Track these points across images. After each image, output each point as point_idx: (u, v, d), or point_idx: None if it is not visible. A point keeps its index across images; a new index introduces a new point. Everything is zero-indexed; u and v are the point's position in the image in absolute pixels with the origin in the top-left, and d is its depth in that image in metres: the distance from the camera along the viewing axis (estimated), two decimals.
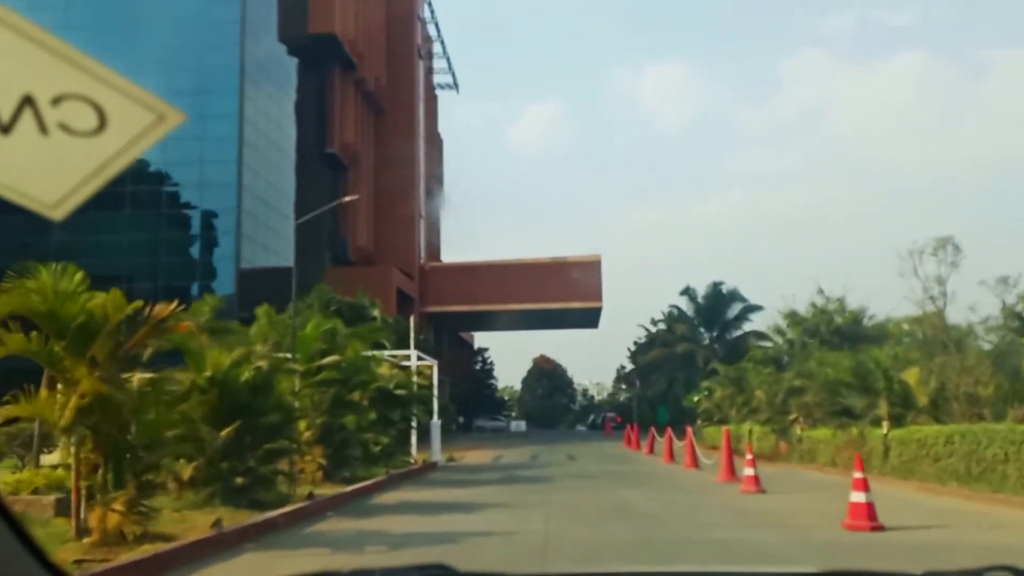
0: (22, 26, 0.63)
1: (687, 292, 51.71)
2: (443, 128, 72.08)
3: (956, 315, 27.46)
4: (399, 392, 18.07)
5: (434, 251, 64.95)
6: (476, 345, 78.01)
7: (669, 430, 24.95)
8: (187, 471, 10.01)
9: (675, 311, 51.30)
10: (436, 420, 20.00)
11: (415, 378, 19.89)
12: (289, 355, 14.02)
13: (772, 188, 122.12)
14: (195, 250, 43.22)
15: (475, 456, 23.84)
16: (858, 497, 8.83)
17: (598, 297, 55.39)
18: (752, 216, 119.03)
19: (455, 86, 74.98)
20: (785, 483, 15.11)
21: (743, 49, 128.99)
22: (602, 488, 14.22)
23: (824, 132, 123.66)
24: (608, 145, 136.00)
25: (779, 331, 28.43)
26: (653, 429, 28.67)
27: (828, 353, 23.61)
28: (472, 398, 69.45)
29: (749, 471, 13.54)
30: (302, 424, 13.34)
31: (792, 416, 21.69)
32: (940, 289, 23.23)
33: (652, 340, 70.03)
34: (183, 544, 7.19)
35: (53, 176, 0.67)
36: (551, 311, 55.96)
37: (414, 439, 19.77)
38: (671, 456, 22.67)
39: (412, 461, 19.05)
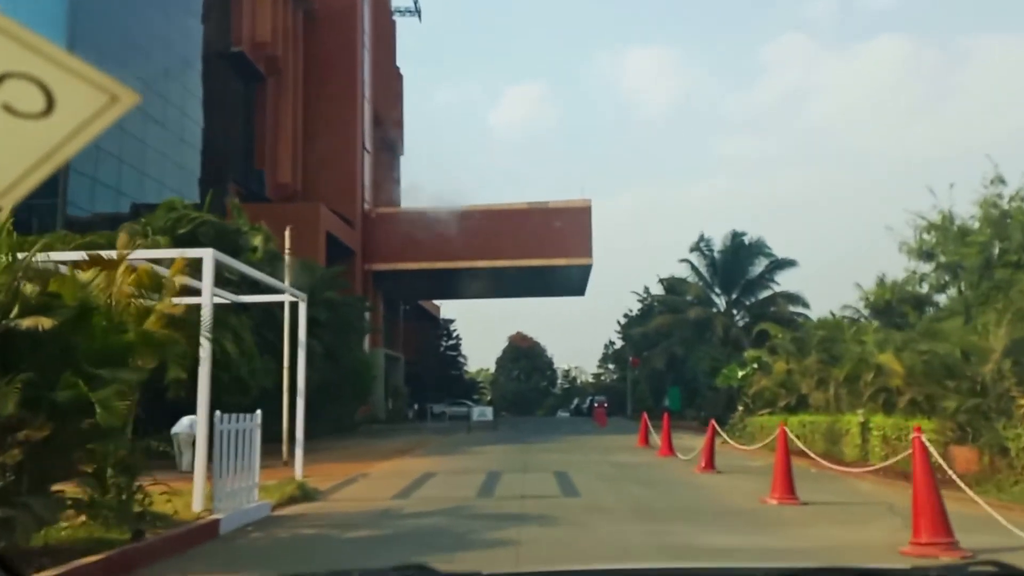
0: None
1: (699, 246, 40.95)
2: (421, 109, 60.83)
3: None
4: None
5: (390, 203, 53.64)
6: (443, 318, 67.10)
7: (712, 425, 14.18)
8: None
9: (689, 265, 40.56)
10: (256, 416, 8.94)
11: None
12: None
13: (757, 173, 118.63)
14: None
15: (375, 483, 12.30)
16: None
17: (587, 252, 44.56)
18: (737, 201, 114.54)
19: (416, 11, 63.39)
20: None
21: (725, 34, 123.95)
22: None
23: (807, 117, 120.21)
24: (590, 129, 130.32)
25: (923, 251, 17.56)
26: (666, 417, 18.02)
27: None
28: (435, 380, 58.57)
29: None
30: None
31: None
32: None
33: (649, 310, 59.59)
34: None
35: None
36: (531, 270, 45.04)
37: (196, 459, 8.62)
38: (710, 463, 12.26)
39: (170, 514, 7.81)
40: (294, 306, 14.12)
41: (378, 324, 46.59)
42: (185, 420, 13.76)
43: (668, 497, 9.89)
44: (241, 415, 8.63)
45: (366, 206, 44.49)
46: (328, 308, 25.57)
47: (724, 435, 15.16)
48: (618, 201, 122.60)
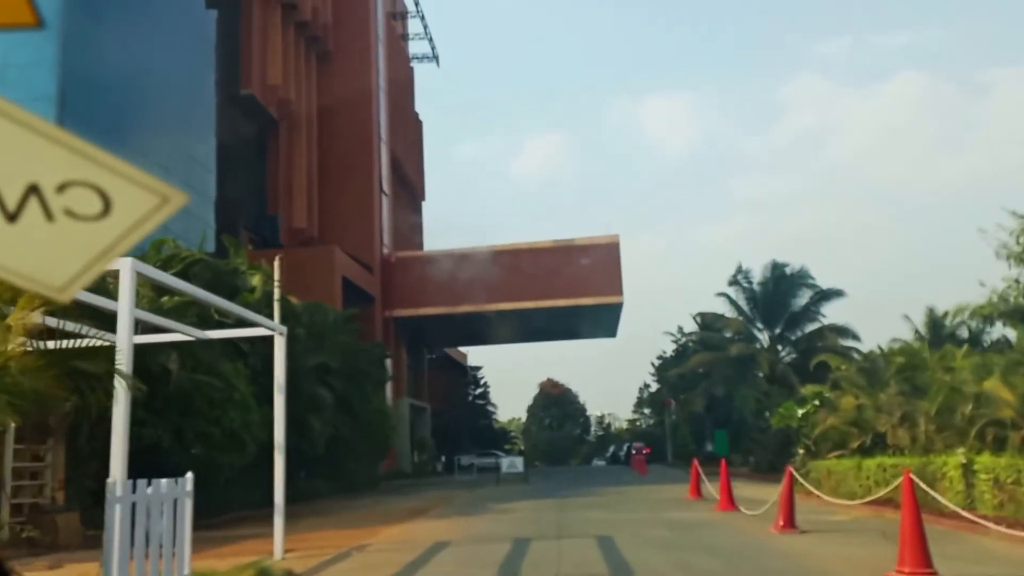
0: (25, 118, 0.64)
1: (737, 279, 38.47)
2: (442, 160, 59.72)
3: None
4: None
5: (411, 249, 52.02)
6: (470, 365, 64.82)
7: (790, 473, 11.71)
8: None
9: (727, 300, 37.96)
10: (183, 481, 6.75)
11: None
12: None
13: (777, 213, 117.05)
14: None
15: (370, 560, 9.66)
16: None
17: (618, 290, 42.34)
18: (758, 240, 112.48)
19: (434, 57, 62.85)
20: None
21: (741, 78, 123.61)
22: None
23: (827, 155, 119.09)
24: (609, 174, 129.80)
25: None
26: (723, 465, 15.53)
27: None
28: (464, 430, 56.11)
29: None
30: None
31: None
32: None
33: (684, 350, 56.92)
34: None
35: (60, 260, 0.68)
36: (559, 311, 42.86)
37: (106, 540, 6.46)
38: (790, 521, 9.82)
39: None
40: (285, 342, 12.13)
41: (401, 373, 44.54)
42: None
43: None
44: (168, 480, 6.51)
45: (385, 251, 42.86)
46: (341, 354, 23.62)
47: (804, 482, 12.71)
48: (640, 244, 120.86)
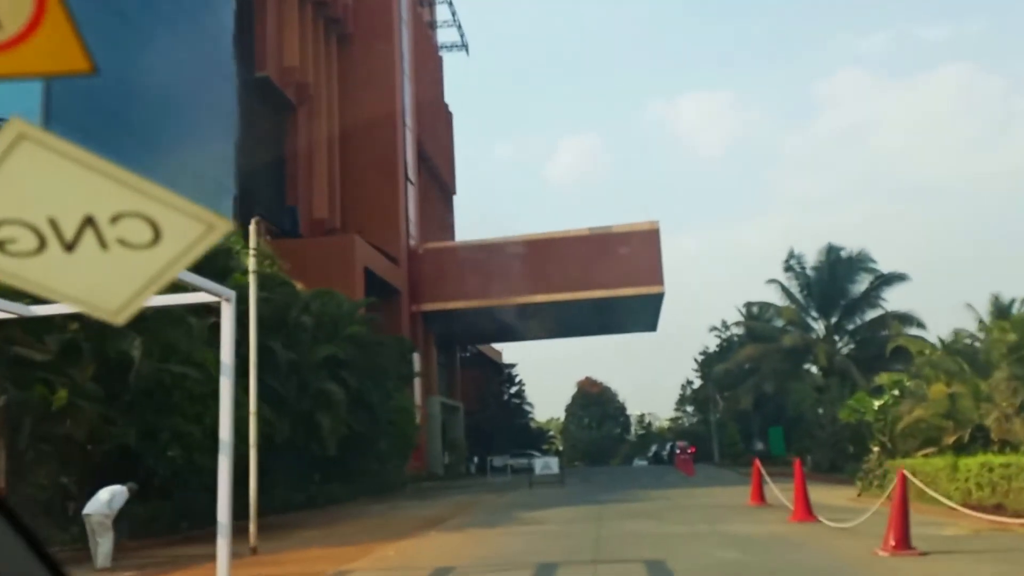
0: (80, 156, 0.70)
1: (790, 264, 35.49)
2: (477, 161, 57.57)
3: None
4: None
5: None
6: (506, 363, 62.56)
7: (903, 476, 9.12)
8: None
9: (779, 287, 35.04)
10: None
11: None
12: None
13: (819, 210, 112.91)
14: None
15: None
16: None
17: (658, 280, 39.69)
18: (799, 239, 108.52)
19: (464, 46, 60.83)
20: None
21: (779, 75, 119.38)
22: None
23: (869, 151, 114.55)
24: (646, 174, 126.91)
25: None
26: (798, 466, 12.95)
27: None
28: (499, 430, 53.87)
29: None
30: None
31: None
32: None
33: (729, 345, 53.96)
34: None
35: (114, 286, 0.73)
36: (597, 303, 40.37)
37: None
38: (904, 539, 7.28)
39: None
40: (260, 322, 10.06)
41: (431, 370, 42.48)
42: (103, 494, 9.60)
43: None
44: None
45: (412, 242, 40.82)
46: (357, 347, 21.53)
47: (923, 486, 10.16)
48: (679, 242, 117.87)
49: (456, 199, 57.84)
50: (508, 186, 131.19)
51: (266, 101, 33.71)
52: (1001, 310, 30.91)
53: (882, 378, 18.56)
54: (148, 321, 12.26)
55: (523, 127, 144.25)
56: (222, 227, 0.73)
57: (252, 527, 10.19)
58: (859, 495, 17.30)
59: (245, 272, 16.47)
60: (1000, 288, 31.66)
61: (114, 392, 12.53)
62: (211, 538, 12.53)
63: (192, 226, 0.72)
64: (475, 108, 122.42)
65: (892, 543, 7.66)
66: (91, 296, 0.74)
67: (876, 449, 18.13)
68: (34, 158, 0.70)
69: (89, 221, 0.71)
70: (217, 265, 16.05)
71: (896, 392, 16.99)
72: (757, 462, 15.28)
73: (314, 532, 12.80)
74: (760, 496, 14.71)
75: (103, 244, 0.72)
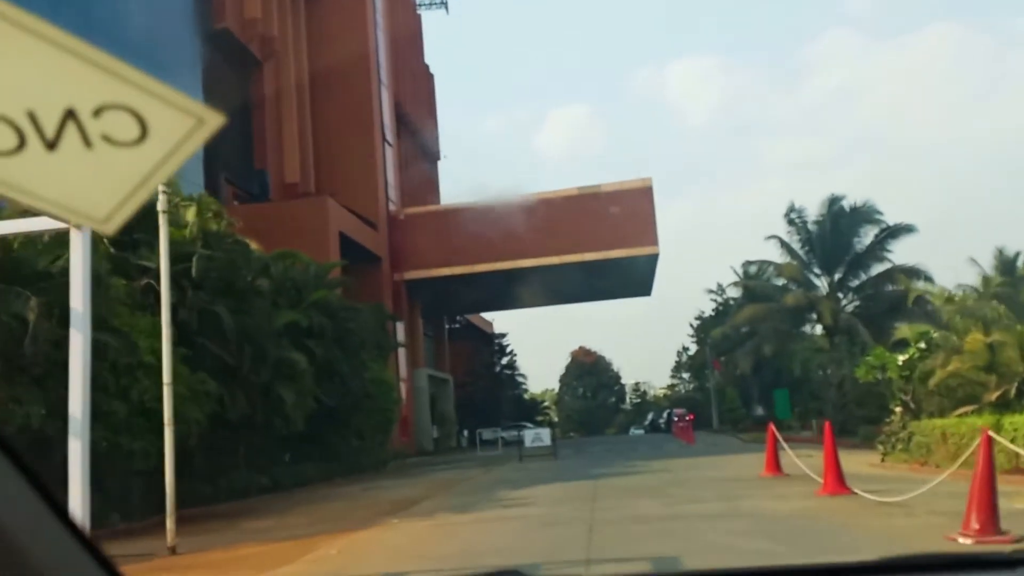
0: (59, 38, 0.62)
1: (791, 217, 33.57)
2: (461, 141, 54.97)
3: None
4: None
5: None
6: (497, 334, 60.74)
7: (988, 437, 7.30)
8: None
9: (779, 243, 33.11)
10: None
11: None
12: None
13: (810, 174, 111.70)
14: None
15: None
16: None
17: (652, 240, 37.81)
18: (792, 203, 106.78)
19: (443, 3, 58.14)
20: None
21: (766, 37, 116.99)
22: None
23: (859, 113, 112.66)
24: (635, 142, 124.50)
25: None
26: (827, 428, 11.15)
27: None
28: (491, 402, 52.24)
29: None
30: None
31: None
32: None
33: (725, 308, 52.29)
34: None
35: (101, 189, 0.66)
36: (588, 266, 38.48)
37: None
38: (991, 518, 5.39)
39: None
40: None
41: (417, 341, 40.64)
42: None
43: None
44: None
45: (392, 207, 38.73)
46: (325, 314, 19.61)
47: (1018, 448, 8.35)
48: (671, 208, 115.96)
49: (448, 167, 55.77)
50: (498, 152, 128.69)
51: (229, 57, 31.41)
52: (1006, 264, 29.22)
53: (903, 331, 16.77)
54: (53, 279, 10.30)
55: (510, 93, 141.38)
56: (213, 121, 0.65)
57: (169, 522, 8.32)
58: (882, 460, 15.61)
59: (184, 226, 14.48)
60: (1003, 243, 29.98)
61: (20, 365, 10.59)
62: (148, 532, 10.72)
63: (181, 120, 0.64)
64: (478, 74, 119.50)
65: (976, 526, 5.85)
66: (78, 201, 0.66)
67: (898, 410, 16.40)
68: (8, 40, 0.60)
69: (71, 114, 0.62)
70: (152, 220, 14.07)
71: (922, 345, 15.20)
72: (772, 427, 13.48)
73: (262, 523, 10.98)
74: (776, 465, 12.96)
75: (87, 141, 0.63)
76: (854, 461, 15.02)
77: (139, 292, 12.80)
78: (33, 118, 0.61)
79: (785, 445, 13.08)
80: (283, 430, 17.18)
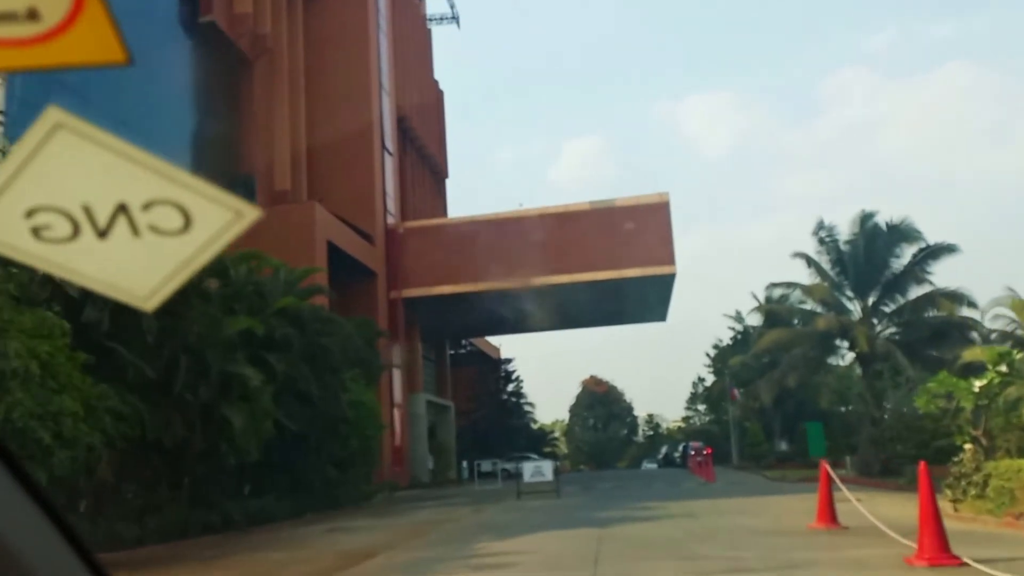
0: (115, 144, 0.71)
1: (820, 235, 30.81)
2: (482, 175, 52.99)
3: None
4: None
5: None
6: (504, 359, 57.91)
7: None
8: None
9: (806, 262, 30.30)
10: None
11: None
12: None
13: (824, 208, 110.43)
14: None
15: None
16: None
17: (668, 259, 35.14)
18: (805, 237, 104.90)
19: (454, 18, 56.45)
20: None
21: (783, 74, 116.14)
22: None
23: (874, 148, 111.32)
24: (649, 174, 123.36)
25: None
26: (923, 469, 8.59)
27: None
28: (497, 432, 49.34)
29: None
30: None
31: None
32: None
33: (744, 336, 49.43)
34: None
35: (145, 272, 0.75)
36: (600, 286, 35.85)
37: None
38: None
39: None
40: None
41: (416, 363, 37.98)
42: None
43: None
44: None
45: (391, 220, 36.35)
46: (292, 324, 17.04)
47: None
48: (684, 242, 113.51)
49: (456, 189, 53.47)
50: (511, 182, 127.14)
51: (216, 53, 29.32)
52: None
53: (974, 352, 14.03)
54: None
55: (526, 124, 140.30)
56: (250, 214, 0.73)
57: None
58: (955, 509, 12.76)
59: None
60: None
61: None
62: None
63: (221, 213, 0.73)
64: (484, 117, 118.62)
65: None
66: (122, 281, 0.75)
67: (969, 447, 13.58)
68: (70, 146, 0.70)
69: (122, 208, 0.72)
70: None
71: (1003, 368, 12.41)
72: (825, 466, 10.67)
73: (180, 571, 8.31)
74: (831, 515, 10.16)
75: (135, 230, 0.72)
76: (914, 509, 12.23)
77: (35, 284, 10.29)
78: (88, 211, 0.70)
79: (843, 487, 10.30)
80: (232, 458, 14.50)
